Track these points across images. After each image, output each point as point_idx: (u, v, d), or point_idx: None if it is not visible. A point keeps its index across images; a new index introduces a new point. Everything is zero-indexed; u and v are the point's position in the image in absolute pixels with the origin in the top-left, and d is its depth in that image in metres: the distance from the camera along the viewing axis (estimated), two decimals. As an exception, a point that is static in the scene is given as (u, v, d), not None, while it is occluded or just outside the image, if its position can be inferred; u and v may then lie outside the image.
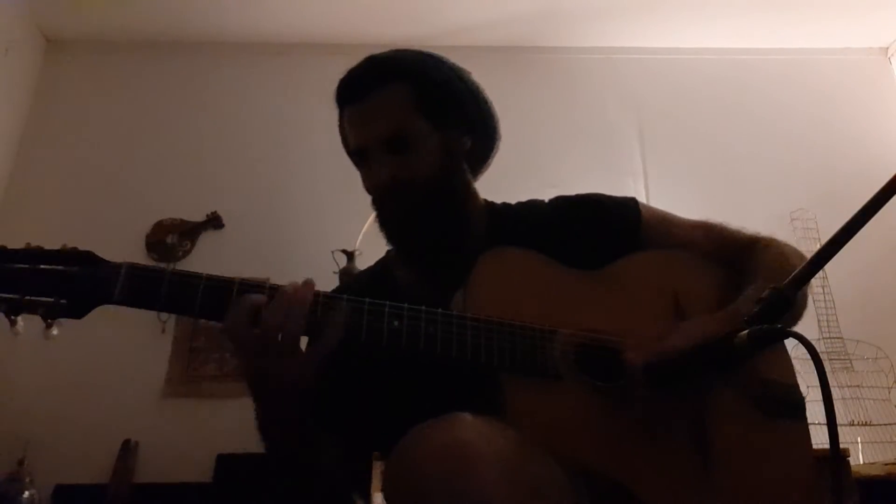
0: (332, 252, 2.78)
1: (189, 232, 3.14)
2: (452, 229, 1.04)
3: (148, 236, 3.11)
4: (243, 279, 0.84)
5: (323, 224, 3.04)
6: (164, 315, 2.96)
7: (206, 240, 3.15)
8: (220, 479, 2.66)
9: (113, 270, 0.82)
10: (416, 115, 1.02)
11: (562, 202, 1.15)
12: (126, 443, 2.71)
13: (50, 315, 0.80)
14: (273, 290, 0.83)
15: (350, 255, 2.76)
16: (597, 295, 0.99)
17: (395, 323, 0.85)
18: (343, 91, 1.06)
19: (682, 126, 3.46)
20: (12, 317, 0.80)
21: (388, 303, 0.86)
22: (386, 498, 0.71)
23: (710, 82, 3.57)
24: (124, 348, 2.89)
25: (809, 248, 2.90)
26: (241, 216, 3.19)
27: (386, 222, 1.06)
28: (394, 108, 1.02)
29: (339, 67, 1.07)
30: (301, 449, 0.92)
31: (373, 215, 1.12)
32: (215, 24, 3.44)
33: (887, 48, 3.68)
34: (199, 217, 3.17)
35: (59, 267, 0.81)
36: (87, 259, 0.82)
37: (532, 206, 1.16)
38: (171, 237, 3.12)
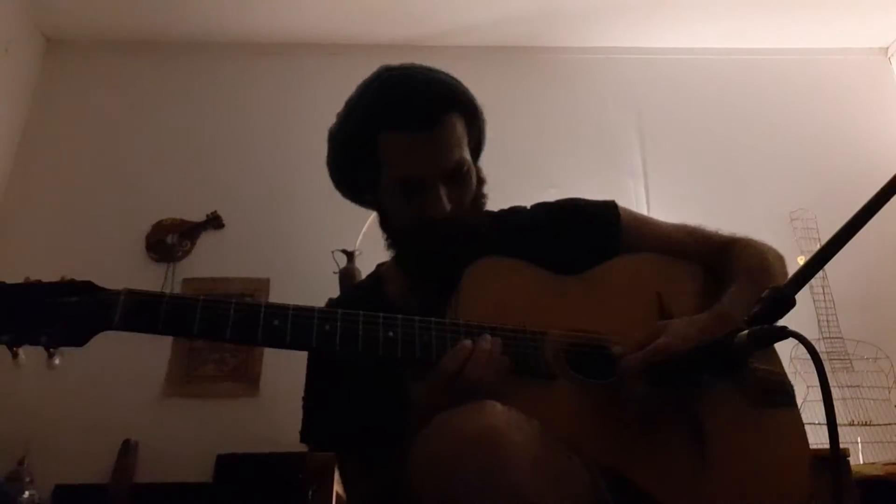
0: (332, 252, 2.78)
1: (189, 232, 3.14)
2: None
3: (148, 236, 3.10)
4: (238, 300, 0.85)
5: (323, 224, 3.03)
6: (164, 315, 2.96)
7: (206, 240, 3.15)
8: (220, 479, 2.65)
9: (112, 297, 0.83)
10: (466, 148, 1.05)
11: (543, 208, 1.18)
12: (126, 443, 2.71)
13: (51, 344, 0.81)
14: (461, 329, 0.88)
15: (350, 255, 2.76)
16: (583, 298, 1.02)
17: (391, 333, 0.87)
18: (403, 115, 1.00)
19: (682, 126, 3.46)
20: (14, 348, 0.81)
21: (381, 314, 0.88)
22: (415, 483, 0.72)
23: (710, 82, 3.57)
24: (124, 348, 2.88)
25: (809, 248, 2.91)
26: (241, 216, 3.19)
27: (430, 251, 1.03)
28: (457, 140, 1.02)
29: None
30: None
31: (372, 216, 1.11)
32: (215, 24, 3.44)
33: (887, 48, 3.68)
34: (199, 217, 3.17)
35: (59, 299, 0.82)
36: (85, 289, 0.84)
37: (514, 213, 1.19)
38: (171, 237, 3.11)
